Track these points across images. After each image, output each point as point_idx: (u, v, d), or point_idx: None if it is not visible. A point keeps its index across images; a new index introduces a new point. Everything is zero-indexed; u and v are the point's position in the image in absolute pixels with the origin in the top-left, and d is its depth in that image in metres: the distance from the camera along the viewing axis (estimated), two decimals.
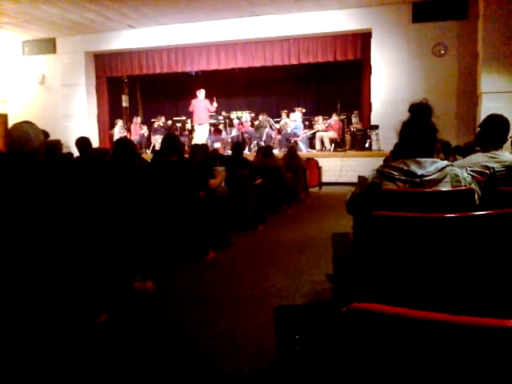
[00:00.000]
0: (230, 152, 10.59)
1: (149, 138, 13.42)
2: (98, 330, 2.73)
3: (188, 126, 13.45)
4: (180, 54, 12.68)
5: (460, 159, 4.04)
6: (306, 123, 12.65)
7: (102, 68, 13.27)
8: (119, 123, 13.44)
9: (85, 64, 12.92)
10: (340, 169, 10.66)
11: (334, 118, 12.19)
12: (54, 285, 2.45)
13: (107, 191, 3.54)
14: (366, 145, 11.07)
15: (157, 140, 12.44)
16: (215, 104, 12.32)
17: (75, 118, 12.93)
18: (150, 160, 4.89)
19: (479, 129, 3.01)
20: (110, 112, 13.90)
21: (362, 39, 11.26)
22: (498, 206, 1.68)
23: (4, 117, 13.28)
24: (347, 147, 11.71)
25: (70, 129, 12.43)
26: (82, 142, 5.30)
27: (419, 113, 2.09)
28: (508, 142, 2.99)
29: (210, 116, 12.63)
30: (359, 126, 11.85)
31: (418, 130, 2.06)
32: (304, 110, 12.79)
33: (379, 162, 5.18)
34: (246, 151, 11.66)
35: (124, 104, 14.85)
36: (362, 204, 2.10)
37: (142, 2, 10.05)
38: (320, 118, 12.56)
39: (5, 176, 2.47)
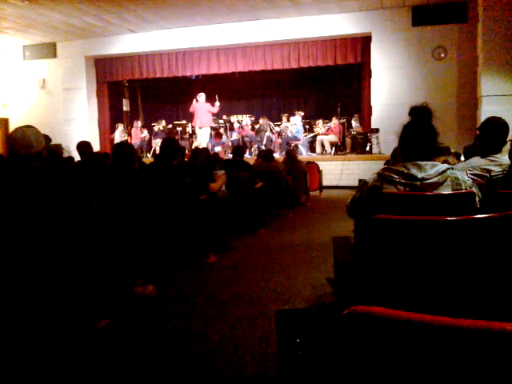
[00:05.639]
0: (230, 156, 10.60)
1: (149, 142, 13.44)
2: (99, 335, 2.73)
3: (189, 129, 13.46)
4: (180, 58, 12.72)
5: (459, 162, 4.03)
6: (307, 127, 12.67)
7: (102, 72, 13.31)
8: (120, 127, 13.46)
9: (85, 68, 12.96)
10: (340, 172, 10.67)
11: (335, 121, 12.21)
12: (53, 289, 2.45)
13: (108, 195, 3.54)
14: (367, 148, 11.10)
15: (157, 144, 12.44)
16: (218, 104, 12.16)
17: (76, 123, 12.96)
18: (149, 164, 4.89)
19: (478, 132, 3.00)
20: (111, 116, 13.94)
21: (362, 43, 11.30)
22: (499, 209, 1.68)
23: (5, 121, 13.32)
24: (348, 151, 11.72)
25: (70, 133, 12.46)
26: (83, 146, 5.31)
27: (419, 116, 2.09)
28: (507, 145, 2.98)
29: (213, 119, 12.64)
30: (359, 130, 11.87)
31: (419, 133, 2.06)
32: (302, 114, 12.80)
33: (380, 165, 5.18)
34: (247, 155, 11.67)
35: (125, 108, 14.88)
36: (362, 207, 2.10)
37: (142, 7, 10.09)
38: (320, 121, 12.59)
39: (6, 179, 2.47)
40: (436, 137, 2.07)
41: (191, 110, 12.29)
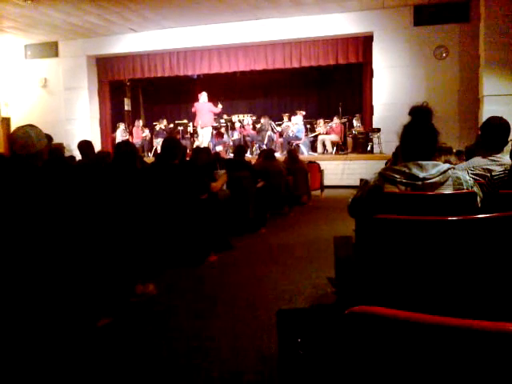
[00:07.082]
0: (231, 155, 10.60)
1: (151, 141, 13.46)
2: (100, 334, 2.73)
3: (190, 129, 13.47)
4: (182, 58, 12.72)
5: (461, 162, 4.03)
6: (308, 126, 12.66)
7: (104, 71, 13.31)
8: (121, 126, 13.48)
9: (87, 67, 12.96)
10: (342, 172, 10.66)
11: (336, 121, 12.21)
12: (55, 288, 2.45)
13: (109, 194, 3.55)
14: (368, 148, 11.09)
15: (159, 143, 12.44)
16: (220, 106, 12.32)
17: (77, 122, 12.97)
18: (150, 163, 4.89)
19: (480, 132, 3.00)
20: (112, 115, 13.95)
21: (364, 42, 11.29)
22: (500, 209, 1.68)
23: (7, 120, 13.33)
24: (349, 150, 11.71)
25: (72, 132, 12.47)
26: (85, 146, 5.31)
27: (419, 115, 2.09)
28: (509, 145, 2.98)
29: (215, 119, 12.65)
30: (361, 129, 11.86)
31: (419, 132, 2.06)
32: (304, 113, 12.80)
33: (381, 165, 5.18)
34: (248, 154, 11.66)
35: (126, 107, 14.89)
36: (363, 207, 2.10)
37: (143, 6, 10.09)
38: (321, 121, 12.59)
39: (8, 179, 2.48)
40: (436, 136, 2.07)
41: (193, 110, 12.30)
